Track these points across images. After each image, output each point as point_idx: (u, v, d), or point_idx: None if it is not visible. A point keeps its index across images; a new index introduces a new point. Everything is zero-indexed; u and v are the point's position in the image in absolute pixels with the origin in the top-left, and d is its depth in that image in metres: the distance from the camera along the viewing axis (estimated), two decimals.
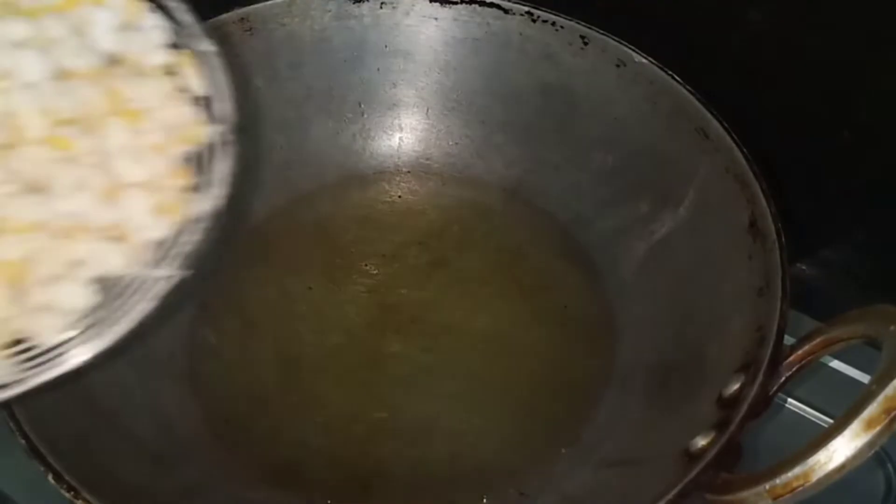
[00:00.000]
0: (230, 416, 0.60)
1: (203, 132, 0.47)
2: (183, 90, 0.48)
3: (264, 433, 0.59)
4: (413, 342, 0.63)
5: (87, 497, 0.44)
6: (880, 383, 0.40)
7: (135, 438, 0.55)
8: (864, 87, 0.65)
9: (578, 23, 0.66)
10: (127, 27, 0.47)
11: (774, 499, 0.41)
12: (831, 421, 0.57)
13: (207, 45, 0.48)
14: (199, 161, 0.47)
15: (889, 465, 0.62)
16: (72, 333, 0.43)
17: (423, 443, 0.58)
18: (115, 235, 0.45)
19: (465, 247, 0.69)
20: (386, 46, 0.71)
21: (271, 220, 0.70)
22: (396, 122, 0.75)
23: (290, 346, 0.63)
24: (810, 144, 0.70)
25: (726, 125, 0.60)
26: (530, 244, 0.69)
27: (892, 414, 0.39)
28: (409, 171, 0.74)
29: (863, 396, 0.40)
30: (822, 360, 0.50)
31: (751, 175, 0.56)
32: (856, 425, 0.39)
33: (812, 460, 0.40)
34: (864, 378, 0.64)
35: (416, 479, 0.57)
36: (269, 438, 0.59)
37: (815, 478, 0.40)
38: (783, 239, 0.53)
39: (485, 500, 0.56)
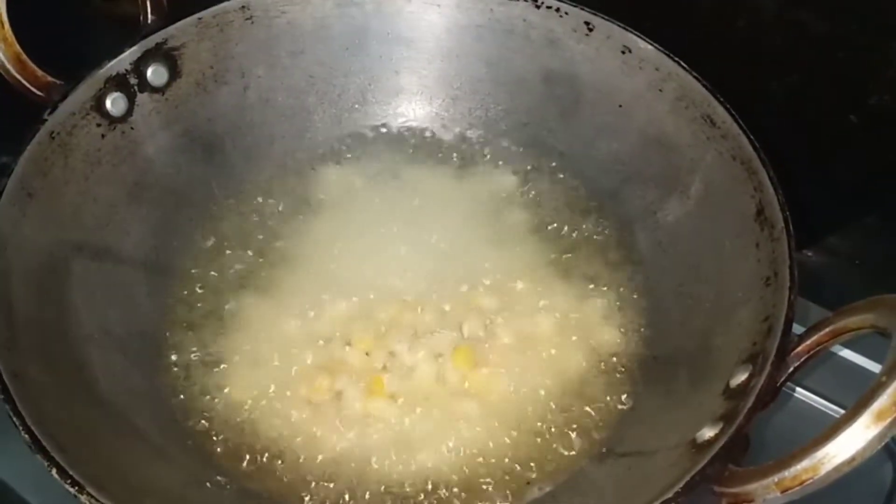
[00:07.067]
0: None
1: None
2: None
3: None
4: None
5: (92, 492, 0.44)
6: (890, 375, 0.39)
7: (137, 431, 0.54)
8: (872, 71, 0.64)
9: (583, 8, 0.65)
10: None
11: (783, 491, 0.41)
12: (840, 410, 0.58)
13: None
14: None
15: None
16: None
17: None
18: None
19: (467, 236, 0.68)
20: (388, 34, 0.71)
21: None
22: (399, 109, 0.74)
23: None
24: (817, 129, 0.69)
25: (733, 112, 0.59)
26: (536, 233, 0.69)
27: None
28: (412, 160, 0.73)
29: (872, 388, 0.39)
30: (830, 348, 0.49)
31: (758, 162, 0.56)
32: (866, 417, 0.39)
33: (821, 453, 0.40)
34: (873, 367, 0.64)
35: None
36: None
37: (824, 470, 0.39)
38: (790, 228, 0.52)
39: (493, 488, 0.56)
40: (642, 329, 0.62)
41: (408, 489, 0.56)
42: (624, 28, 0.64)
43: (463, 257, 0.66)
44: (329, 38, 0.70)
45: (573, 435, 0.58)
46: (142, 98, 0.64)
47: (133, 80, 0.63)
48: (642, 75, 0.64)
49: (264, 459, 0.57)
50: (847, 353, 0.66)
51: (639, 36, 0.64)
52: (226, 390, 0.60)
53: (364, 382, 0.60)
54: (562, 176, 0.70)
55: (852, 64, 0.65)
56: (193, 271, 0.66)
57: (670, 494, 0.44)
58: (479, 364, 0.61)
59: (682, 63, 0.62)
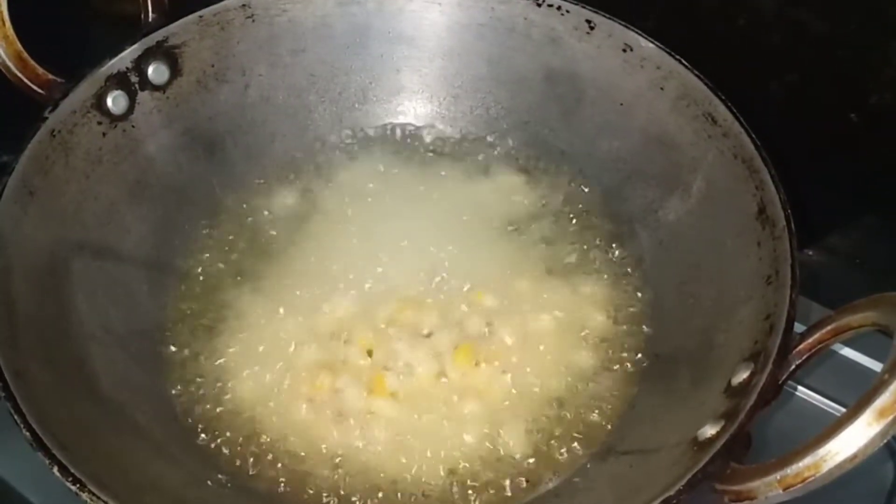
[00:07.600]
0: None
1: None
2: None
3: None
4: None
5: (93, 490, 0.44)
6: (892, 373, 0.39)
7: (138, 429, 0.54)
8: (872, 71, 0.64)
9: (584, 6, 0.65)
10: None
11: (785, 489, 0.41)
12: (841, 409, 0.57)
13: None
14: None
15: None
16: None
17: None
18: None
19: (468, 234, 0.68)
20: (389, 32, 0.71)
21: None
22: (400, 108, 0.74)
23: None
24: (817, 128, 0.69)
25: (734, 110, 0.59)
26: (537, 231, 0.69)
27: None
28: (413, 158, 0.73)
29: (874, 386, 0.39)
30: (831, 347, 0.49)
31: (759, 161, 0.56)
32: (868, 415, 0.39)
33: (823, 450, 0.39)
34: (875, 365, 0.64)
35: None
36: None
37: (826, 468, 0.39)
38: (792, 226, 0.52)
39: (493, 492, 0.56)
40: (644, 327, 0.62)
41: (408, 487, 0.56)
42: (625, 26, 0.64)
43: (464, 255, 0.66)
44: (330, 37, 0.70)
45: (574, 433, 0.58)
46: (143, 96, 0.64)
47: (134, 79, 0.63)
48: (643, 73, 0.64)
49: (265, 457, 0.57)
50: (848, 352, 0.66)
51: (640, 34, 0.64)
52: (227, 388, 0.60)
53: (365, 381, 0.60)
54: (563, 174, 0.70)
55: (852, 64, 0.65)
56: (194, 269, 0.66)
57: (672, 492, 0.44)
58: (479, 362, 0.61)
59: (684, 61, 0.62)
